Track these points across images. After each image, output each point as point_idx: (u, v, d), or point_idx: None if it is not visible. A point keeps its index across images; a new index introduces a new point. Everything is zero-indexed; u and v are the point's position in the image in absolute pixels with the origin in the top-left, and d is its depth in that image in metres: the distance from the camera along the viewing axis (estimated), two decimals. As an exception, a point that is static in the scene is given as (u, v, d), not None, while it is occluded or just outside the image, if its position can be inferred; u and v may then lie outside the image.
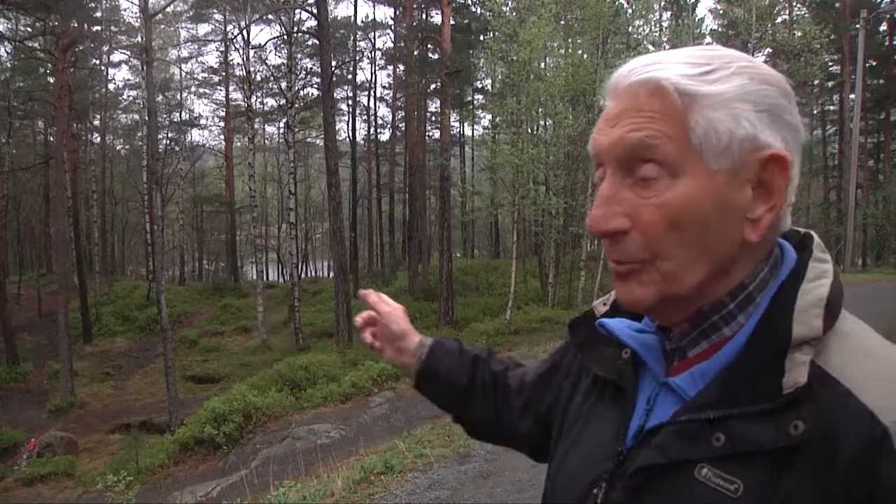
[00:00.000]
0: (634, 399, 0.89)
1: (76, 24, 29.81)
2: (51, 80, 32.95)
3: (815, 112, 38.80)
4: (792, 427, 0.71)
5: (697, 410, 0.78)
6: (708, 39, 35.86)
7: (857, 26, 30.02)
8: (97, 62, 41.34)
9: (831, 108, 40.96)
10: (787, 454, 0.71)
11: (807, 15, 29.76)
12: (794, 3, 32.50)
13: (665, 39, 30.54)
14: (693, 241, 0.77)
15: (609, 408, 0.93)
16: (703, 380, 0.80)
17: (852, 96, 28.20)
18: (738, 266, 0.80)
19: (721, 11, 36.07)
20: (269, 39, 54.97)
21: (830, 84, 38.27)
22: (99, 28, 38.34)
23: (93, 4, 33.88)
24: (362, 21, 43.22)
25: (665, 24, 35.05)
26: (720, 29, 37.24)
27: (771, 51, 29.46)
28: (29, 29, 34.46)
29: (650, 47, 27.10)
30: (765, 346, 0.77)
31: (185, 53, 46.75)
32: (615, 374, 0.93)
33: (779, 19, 29.20)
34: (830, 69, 34.28)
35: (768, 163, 0.77)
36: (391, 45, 41.88)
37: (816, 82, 30.37)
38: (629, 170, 0.80)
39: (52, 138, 37.48)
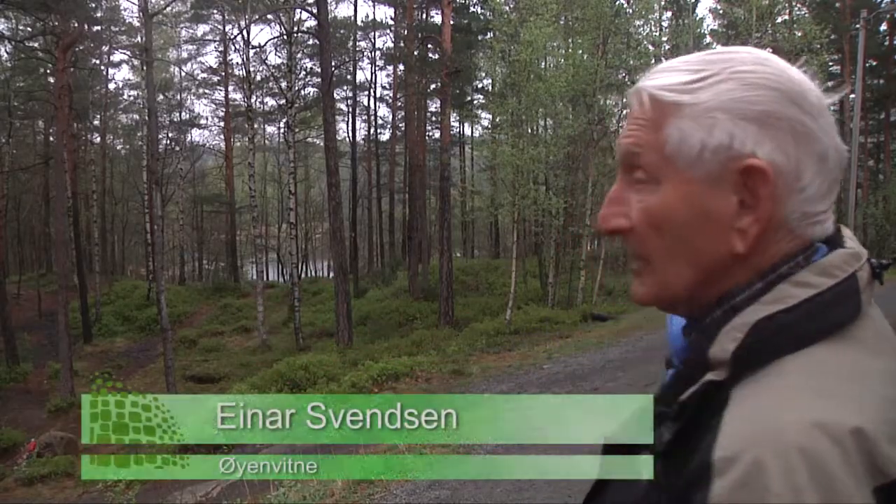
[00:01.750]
0: None
1: (76, 24, 29.77)
2: (51, 79, 32.92)
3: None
4: (661, 435, 0.76)
5: (656, 403, 0.86)
6: (708, 39, 35.85)
7: (858, 26, 30.00)
8: (97, 62, 41.29)
9: (831, 107, 40.94)
10: (665, 459, 0.76)
11: (807, 15, 29.68)
12: (795, 3, 32.41)
13: (665, 39, 30.53)
14: (674, 247, 0.79)
15: None
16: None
17: (852, 96, 28.15)
18: (734, 275, 0.79)
19: (721, 11, 36.01)
20: (269, 39, 55.04)
21: (830, 84, 38.19)
22: (99, 28, 38.27)
23: (93, 4, 33.85)
24: (362, 21, 43.22)
25: (665, 24, 35.00)
26: (720, 29, 37.20)
27: (771, 50, 29.51)
28: (29, 29, 34.44)
29: (650, 47, 27.14)
30: (693, 360, 0.78)
31: (184, 53, 46.75)
32: (666, 362, 0.97)
33: (779, 19, 29.15)
34: (830, 69, 34.23)
35: (747, 173, 0.75)
36: (391, 44, 41.84)
37: (816, 82, 30.38)
38: (629, 173, 0.83)
39: (52, 138, 37.47)
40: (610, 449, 0.94)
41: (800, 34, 26.33)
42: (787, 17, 30.23)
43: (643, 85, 0.82)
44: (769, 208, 0.76)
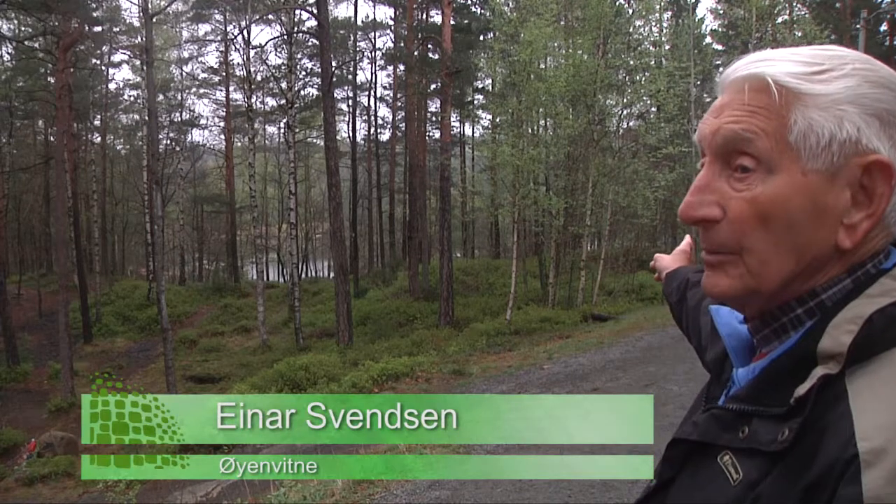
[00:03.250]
0: (725, 385, 0.93)
1: (77, 24, 29.76)
2: (51, 80, 32.94)
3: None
4: (780, 433, 0.73)
5: (734, 401, 0.82)
6: (708, 40, 35.87)
7: (858, 26, 30.00)
8: (98, 62, 41.31)
9: None
10: (779, 458, 0.73)
11: (807, 15, 29.64)
12: (795, 3, 32.41)
13: (665, 39, 30.53)
14: (780, 238, 0.78)
15: (708, 390, 0.98)
16: (753, 375, 0.84)
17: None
18: (828, 270, 0.79)
19: (721, 11, 36.03)
20: (270, 39, 55.00)
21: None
22: (100, 28, 38.24)
23: (93, 5, 33.80)
24: (362, 21, 43.21)
25: (665, 25, 34.99)
26: (720, 29, 37.22)
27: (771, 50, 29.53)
28: (29, 29, 34.45)
29: (651, 48, 27.14)
30: (798, 355, 0.77)
31: (185, 53, 46.70)
32: (717, 357, 0.99)
33: (779, 19, 29.15)
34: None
35: (870, 169, 0.75)
36: (391, 45, 41.82)
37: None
38: (726, 161, 0.81)
39: (52, 138, 37.47)
40: (677, 447, 0.89)
41: (800, 34, 26.35)
42: (787, 17, 30.25)
43: (761, 70, 0.79)
44: (884, 206, 0.76)
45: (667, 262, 1.78)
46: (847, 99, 0.75)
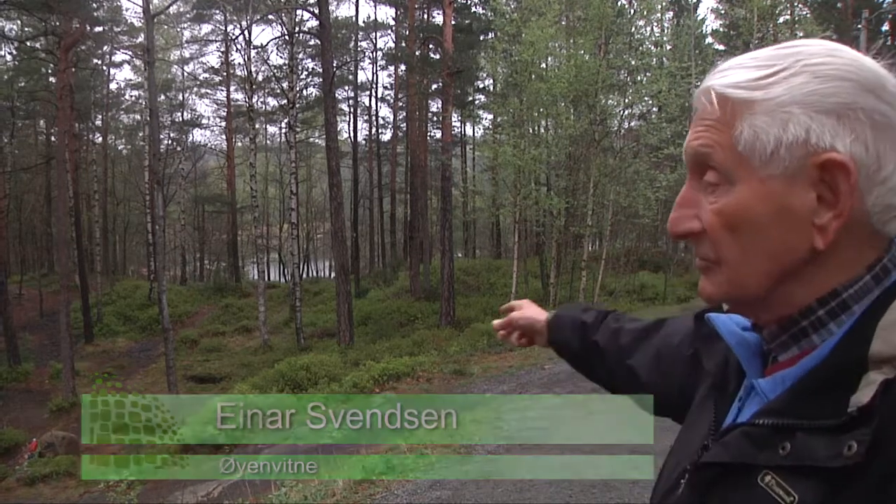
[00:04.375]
0: (733, 398, 0.90)
1: (78, 25, 29.80)
2: (53, 80, 32.97)
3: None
4: (846, 447, 0.68)
5: (767, 415, 0.77)
6: (709, 40, 35.86)
7: (859, 27, 29.97)
8: (99, 62, 41.36)
9: None
10: (845, 475, 0.67)
11: (808, 15, 29.66)
12: (796, 3, 32.39)
13: (666, 39, 30.52)
14: (750, 246, 0.77)
15: (709, 405, 0.93)
16: (784, 385, 0.79)
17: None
18: (822, 272, 0.77)
19: (722, 11, 36.03)
20: (271, 40, 55.03)
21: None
22: (101, 28, 38.29)
23: (95, 5, 33.87)
24: (364, 21, 43.23)
25: (667, 25, 34.99)
26: (722, 29, 37.22)
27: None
28: (31, 29, 34.48)
29: (652, 48, 27.12)
30: (842, 360, 0.73)
31: (186, 53, 46.76)
32: (720, 369, 0.94)
33: (781, 19, 29.15)
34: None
35: (826, 167, 0.73)
36: (393, 45, 41.79)
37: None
38: (699, 175, 0.82)
39: (53, 138, 37.54)
40: (707, 471, 0.83)
41: (801, 34, 26.32)
42: (788, 17, 30.25)
43: (711, 84, 0.80)
44: (850, 203, 0.73)
45: (535, 310, 1.59)
46: (793, 100, 0.74)
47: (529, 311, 1.59)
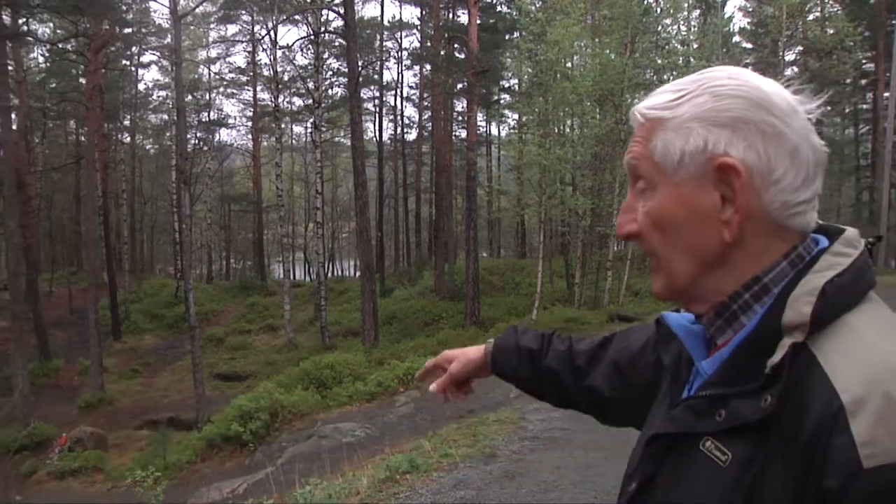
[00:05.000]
0: (685, 383, 1.00)
1: (108, 27, 30.16)
2: (83, 81, 33.41)
3: (847, 111, 38.09)
4: (763, 400, 0.80)
5: (705, 388, 0.89)
6: (737, 38, 35.48)
7: (893, 22, 29.56)
8: (127, 63, 41.81)
9: (864, 106, 40.12)
10: (766, 428, 0.80)
11: (840, 11, 29.17)
12: (827, 0, 31.95)
13: (693, 38, 30.22)
14: (673, 241, 0.91)
15: (668, 394, 1.04)
16: (719, 362, 0.90)
17: (886, 94, 27.68)
18: (739, 261, 0.89)
19: (750, 9, 35.66)
20: (297, 40, 55.43)
21: (864, 82, 37.56)
22: (130, 30, 38.69)
23: (124, 7, 34.22)
24: (389, 21, 43.36)
25: (693, 23, 34.65)
26: (749, 27, 36.79)
27: (802, 49, 29.03)
28: (62, 32, 34.96)
29: (678, 47, 26.89)
30: (763, 332, 0.85)
31: (213, 54, 47.29)
32: (675, 361, 1.05)
33: (810, 16, 28.78)
34: (864, 67, 33.61)
35: (722, 169, 0.86)
36: (418, 44, 41.88)
37: (849, 80, 29.83)
38: (634, 184, 0.96)
39: (83, 138, 38.01)
40: (657, 443, 0.95)
41: (832, 31, 25.98)
42: (818, 13, 29.84)
43: (636, 107, 0.96)
44: (746, 199, 0.86)
45: (467, 352, 1.52)
46: (693, 116, 0.88)
47: (460, 356, 1.52)
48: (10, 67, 25.77)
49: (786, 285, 0.86)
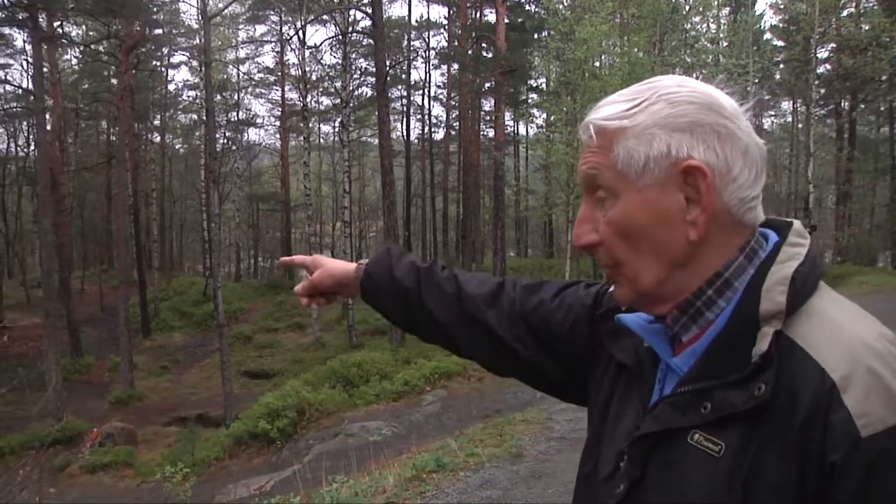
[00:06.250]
0: (652, 382, 1.00)
1: (139, 28, 30.53)
2: (114, 81, 33.85)
3: (882, 109, 37.37)
4: (756, 389, 0.83)
5: (686, 384, 0.91)
6: (767, 36, 35.00)
7: (931, 18, 28.82)
8: (158, 64, 42.26)
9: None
10: (758, 415, 0.83)
11: (876, 7, 28.57)
12: (861, -4, 31.30)
13: (723, 36, 29.88)
14: (638, 247, 0.93)
15: (633, 393, 1.03)
16: (695, 356, 0.93)
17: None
18: (703, 259, 0.92)
19: (782, 6, 35.13)
20: (325, 40, 55.69)
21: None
22: (160, 31, 39.15)
23: (154, 8, 34.63)
24: (416, 21, 43.35)
25: (723, 21, 34.25)
26: (781, 24, 36.26)
27: (835, 46, 28.54)
28: (94, 33, 35.46)
29: (707, 45, 26.62)
30: (739, 324, 0.89)
31: (242, 54, 47.47)
32: (634, 360, 1.04)
33: (844, 13, 28.24)
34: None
35: (688, 171, 0.90)
36: (445, 44, 41.86)
37: (885, 77, 29.23)
38: (592, 194, 0.97)
39: (114, 138, 38.53)
40: (642, 443, 0.95)
41: (867, 27, 25.51)
42: (853, 9, 29.29)
43: (590, 119, 0.97)
44: (711, 198, 0.90)
45: (337, 266, 1.47)
46: (654, 123, 0.91)
47: (330, 266, 1.47)
48: (45, 69, 26.18)
49: (753, 277, 0.91)
